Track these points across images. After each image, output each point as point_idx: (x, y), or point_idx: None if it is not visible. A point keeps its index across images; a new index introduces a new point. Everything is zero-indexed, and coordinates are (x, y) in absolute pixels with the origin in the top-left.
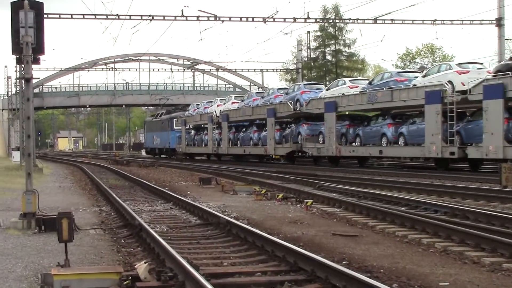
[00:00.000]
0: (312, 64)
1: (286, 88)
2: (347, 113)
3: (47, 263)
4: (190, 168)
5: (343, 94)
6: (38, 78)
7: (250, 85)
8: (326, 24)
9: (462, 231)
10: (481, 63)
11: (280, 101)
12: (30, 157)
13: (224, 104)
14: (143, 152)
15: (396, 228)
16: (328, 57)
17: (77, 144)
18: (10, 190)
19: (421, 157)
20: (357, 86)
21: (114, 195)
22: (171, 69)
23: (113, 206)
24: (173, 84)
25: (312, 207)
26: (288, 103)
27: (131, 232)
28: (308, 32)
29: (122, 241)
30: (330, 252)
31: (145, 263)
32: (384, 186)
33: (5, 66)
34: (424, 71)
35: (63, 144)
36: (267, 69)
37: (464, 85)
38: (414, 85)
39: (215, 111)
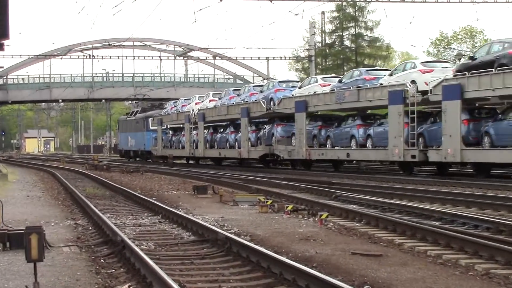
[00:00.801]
0: (327, 51)
1: (262, 86)
2: (319, 113)
3: (13, 286)
4: (182, 175)
5: (314, 92)
6: (2, 67)
7: (253, 76)
8: (344, 3)
9: (508, 250)
10: (448, 61)
11: (255, 100)
12: None
13: (202, 102)
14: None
15: (428, 247)
16: (347, 43)
17: (48, 146)
18: None
19: (386, 160)
20: (329, 84)
21: (92, 206)
22: (159, 57)
23: (91, 219)
24: (162, 75)
25: (327, 221)
26: (261, 102)
27: (112, 250)
28: (323, 12)
29: (102, 260)
30: (349, 274)
31: (129, 287)
32: (414, 196)
33: None
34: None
35: (32, 145)
36: (273, 57)
37: (427, 84)
38: (381, 84)
39: (192, 110)
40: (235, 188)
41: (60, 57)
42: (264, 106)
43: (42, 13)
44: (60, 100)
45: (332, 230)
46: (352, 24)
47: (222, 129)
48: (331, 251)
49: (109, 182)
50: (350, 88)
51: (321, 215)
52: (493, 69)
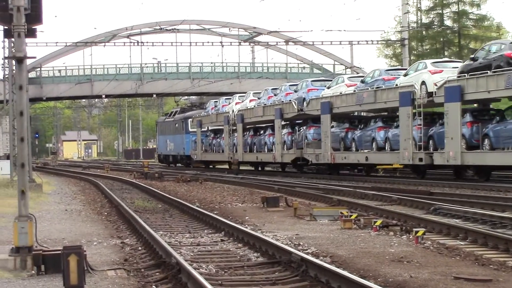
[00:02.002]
0: (424, 32)
1: (297, 85)
2: (355, 113)
3: None
4: (248, 184)
5: (340, 93)
6: (35, 57)
7: (334, 64)
8: None
9: None
10: (460, 61)
11: (289, 100)
12: (25, 169)
13: (242, 101)
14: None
15: None
16: (448, 22)
17: (90, 150)
18: None
19: (401, 163)
20: (355, 84)
21: (142, 222)
22: (221, 42)
23: (140, 237)
24: (224, 64)
25: (424, 239)
26: (293, 102)
27: (165, 275)
28: None
29: (153, 287)
30: None
31: None
32: None
33: None
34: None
35: (70, 150)
36: (358, 41)
37: (436, 85)
38: (397, 84)
39: (233, 110)
40: (312, 199)
41: (103, 44)
42: (295, 107)
43: None
44: (104, 96)
45: (430, 250)
46: None
47: (262, 131)
48: (429, 275)
49: (162, 193)
50: (367, 89)
51: (416, 232)
52: (489, 71)
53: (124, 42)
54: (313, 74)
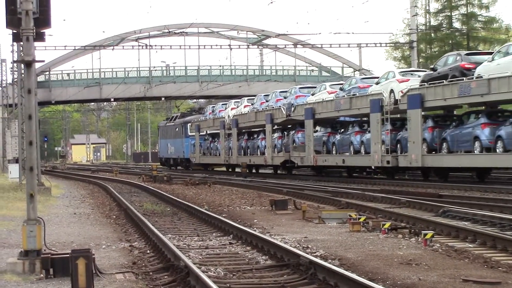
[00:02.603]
0: (432, 35)
1: (286, 91)
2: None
3: None
4: (257, 187)
5: (323, 100)
6: (43, 61)
7: (342, 67)
8: None
9: None
10: (425, 71)
11: (279, 106)
12: (33, 172)
13: (237, 107)
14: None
15: None
16: (456, 25)
17: (99, 154)
18: (5, 219)
19: (371, 166)
20: (335, 92)
21: (151, 226)
22: (229, 45)
23: (149, 240)
24: (233, 67)
25: (433, 242)
26: (282, 108)
27: (174, 278)
28: None
29: None
30: None
31: None
32: None
33: None
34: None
35: (79, 153)
36: (367, 44)
37: (403, 93)
38: (370, 92)
39: (228, 115)
40: (320, 202)
41: (112, 48)
42: (284, 113)
43: None
44: (112, 99)
45: (439, 253)
46: (463, 1)
47: (255, 135)
48: (438, 277)
49: (171, 196)
50: (345, 96)
51: (425, 235)
52: (444, 81)
53: (132, 46)
54: (322, 76)
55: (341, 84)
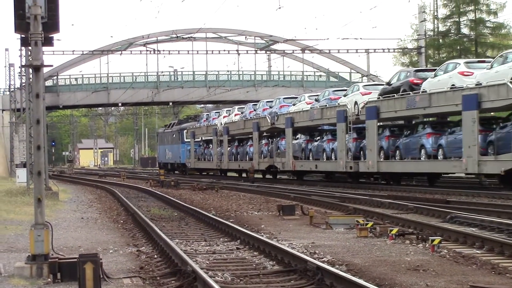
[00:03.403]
0: (440, 40)
1: (272, 101)
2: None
3: None
4: (264, 192)
5: (301, 110)
6: (52, 65)
7: (350, 73)
8: None
9: None
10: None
11: (264, 115)
12: (41, 177)
13: (229, 115)
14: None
15: None
16: (465, 31)
17: (106, 158)
18: (13, 223)
19: (337, 171)
20: (313, 102)
21: (158, 230)
22: (237, 50)
23: (156, 245)
24: (241, 73)
25: (440, 248)
26: (267, 117)
27: (181, 283)
28: None
29: None
30: None
31: None
32: None
33: (6, 50)
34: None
35: (87, 158)
36: (375, 50)
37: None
38: (339, 103)
39: (221, 123)
40: (327, 207)
41: (120, 52)
42: (269, 121)
43: (98, 1)
44: (120, 104)
45: (446, 259)
46: (471, 7)
47: (245, 142)
48: (445, 283)
49: (178, 201)
50: (319, 106)
51: (432, 240)
52: (395, 94)
53: (140, 50)
54: (330, 82)
55: (317, 95)
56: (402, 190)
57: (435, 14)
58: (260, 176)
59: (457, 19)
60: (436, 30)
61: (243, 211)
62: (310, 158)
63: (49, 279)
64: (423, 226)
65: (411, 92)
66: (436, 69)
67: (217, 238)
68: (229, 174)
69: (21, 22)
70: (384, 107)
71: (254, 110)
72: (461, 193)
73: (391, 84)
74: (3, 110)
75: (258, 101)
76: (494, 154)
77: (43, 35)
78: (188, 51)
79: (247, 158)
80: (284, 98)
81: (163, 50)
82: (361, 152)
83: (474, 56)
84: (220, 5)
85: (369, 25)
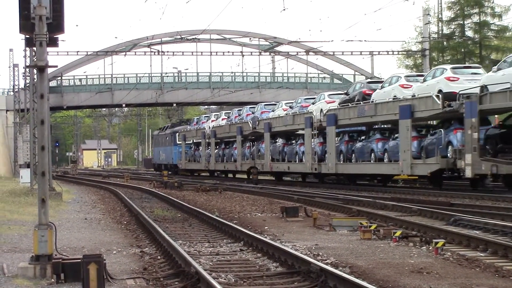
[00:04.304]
0: (445, 43)
1: (254, 107)
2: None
3: None
4: (268, 194)
5: (278, 116)
6: (56, 66)
7: (354, 75)
8: None
9: None
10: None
11: (247, 120)
12: (45, 177)
13: (217, 119)
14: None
15: None
16: (469, 33)
17: (110, 159)
18: (17, 223)
19: (305, 172)
20: (287, 109)
21: (161, 231)
22: (241, 52)
23: (159, 246)
24: (245, 74)
25: (444, 250)
26: (249, 122)
27: (184, 284)
28: None
29: None
30: None
31: None
32: None
33: (10, 50)
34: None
35: (90, 158)
36: (379, 52)
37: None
38: (308, 111)
39: (209, 127)
40: (331, 209)
41: (124, 53)
42: (251, 126)
43: (103, 2)
44: (124, 105)
45: (450, 261)
46: (476, 10)
47: (230, 145)
48: (449, 286)
49: (181, 202)
50: (291, 113)
51: (436, 243)
52: (349, 104)
53: (144, 51)
54: (334, 84)
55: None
56: (406, 192)
57: (440, 16)
58: (245, 176)
59: (462, 22)
60: (440, 32)
61: (246, 212)
62: (286, 160)
63: (53, 280)
64: (426, 229)
65: (361, 102)
66: (382, 81)
67: (220, 240)
68: (230, 175)
69: (26, 23)
70: (341, 115)
71: (239, 115)
72: (464, 195)
73: (349, 94)
74: (7, 110)
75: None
76: (424, 158)
77: (47, 36)
78: (192, 52)
79: (232, 160)
80: (265, 104)
81: (167, 51)
82: (325, 155)
83: (478, 59)
84: (225, 6)
85: (374, 27)
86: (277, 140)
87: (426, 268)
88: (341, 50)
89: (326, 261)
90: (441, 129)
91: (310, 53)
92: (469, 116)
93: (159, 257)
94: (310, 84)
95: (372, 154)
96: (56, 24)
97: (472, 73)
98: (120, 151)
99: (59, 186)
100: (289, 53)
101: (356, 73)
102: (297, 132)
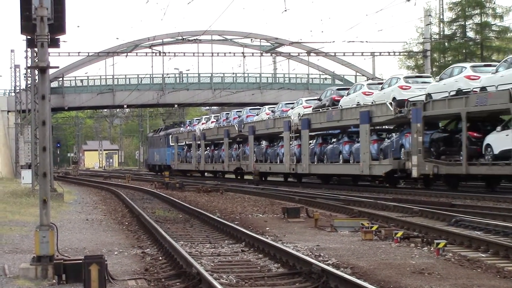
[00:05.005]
0: (446, 44)
1: (240, 111)
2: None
3: None
4: (269, 194)
5: (261, 119)
6: (58, 67)
7: (355, 75)
8: None
9: None
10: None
11: (233, 124)
12: (46, 178)
13: (207, 122)
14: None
15: None
16: (470, 34)
17: (111, 160)
18: (18, 224)
19: (284, 172)
20: (270, 113)
21: (163, 232)
22: (242, 53)
23: (161, 247)
24: (246, 75)
25: (445, 251)
26: (235, 125)
27: (186, 285)
28: None
29: None
30: None
31: None
32: None
33: (12, 51)
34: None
35: (92, 159)
36: (380, 53)
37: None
38: (288, 115)
39: (199, 129)
40: (332, 210)
41: (125, 54)
42: (237, 129)
43: (104, 3)
44: (125, 106)
45: (451, 262)
46: (477, 11)
47: (219, 147)
48: (450, 287)
49: (183, 203)
50: (272, 117)
51: (438, 244)
52: (320, 109)
53: (146, 52)
54: (335, 85)
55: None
56: (407, 193)
57: (441, 17)
58: (233, 176)
59: (463, 23)
60: (441, 33)
61: (248, 213)
62: (268, 161)
63: (54, 281)
64: (428, 230)
65: (330, 108)
66: (348, 88)
67: (222, 240)
68: (228, 176)
69: (27, 24)
70: (314, 119)
71: (227, 118)
72: (466, 196)
73: (321, 100)
74: (8, 111)
75: (263, 104)
76: (381, 159)
77: (49, 37)
78: (193, 53)
79: (221, 161)
80: (250, 108)
81: (169, 52)
82: (315, 156)
83: (480, 60)
84: (226, 7)
85: (375, 28)
86: (262, 143)
87: (427, 269)
88: (342, 51)
89: (328, 262)
90: (396, 133)
91: (311, 54)
92: (415, 121)
93: (160, 258)
94: (312, 85)
95: (340, 156)
96: (57, 25)
97: (423, 82)
98: (121, 152)
99: (61, 187)
100: (291, 54)
101: (358, 73)
102: (281, 135)
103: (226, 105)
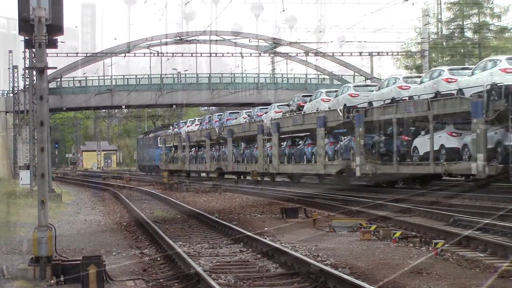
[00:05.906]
0: (444, 44)
1: (221, 114)
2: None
3: None
4: (267, 195)
5: (238, 123)
6: (56, 68)
7: (353, 76)
8: None
9: None
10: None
11: (214, 126)
12: (45, 179)
13: (191, 125)
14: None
15: None
16: (468, 34)
17: (110, 161)
18: (16, 225)
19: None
20: (246, 117)
21: (161, 233)
22: (240, 53)
23: (159, 248)
24: (244, 75)
25: (444, 251)
26: (216, 128)
27: (184, 285)
28: None
29: None
30: None
31: None
32: None
33: (10, 51)
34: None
35: (90, 160)
36: (378, 53)
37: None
38: (262, 120)
39: (184, 131)
40: (331, 210)
41: (123, 55)
42: (217, 132)
43: (102, 4)
44: (123, 106)
45: (449, 262)
46: (475, 11)
47: (202, 148)
48: (449, 287)
49: (181, 203)
50: (248, 120)
51: (436, 244)
52: (287, 113)
53: (144, 53)
54: (333, 85)
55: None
56: (405, 193)
57: (439, 17)
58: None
59: (461, 23)
60: (439, 33)
61: (246, 213)
62: (245, 161)
63: (52, 281)
64: (426, 229)
65: (295, 113)
66: (311, 95)
67: (220, 241)
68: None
69: (25, 24)
70: (283, 123)
71: (209, 121)
72: (464, 196)
73: (290, 105)
74: (6, 112)
75: (262, 104)
76: (333, 160)
77: (47, 37)
78: (192, 53)
79: (204, 161)
80: (230, 112)
81: (167, 53)
82: (290, 158)
83: (477, 59)
84: (224, 7)
85: (374, 28)
86: (240, 144)
87: (426, 269)
88: (340, 51)
89: (326, 262)
90: (347, 136)
91: (309, 54)
92: (358, 126)
93: (159, 259)
94: (310, 85)
95: (304, 156)
96: (55, 26)
97: (369, 90)
98: (120, 153)
99: (59, 187)
100: (289, 54)
101: (356, 73)
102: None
103: (224, 105)
